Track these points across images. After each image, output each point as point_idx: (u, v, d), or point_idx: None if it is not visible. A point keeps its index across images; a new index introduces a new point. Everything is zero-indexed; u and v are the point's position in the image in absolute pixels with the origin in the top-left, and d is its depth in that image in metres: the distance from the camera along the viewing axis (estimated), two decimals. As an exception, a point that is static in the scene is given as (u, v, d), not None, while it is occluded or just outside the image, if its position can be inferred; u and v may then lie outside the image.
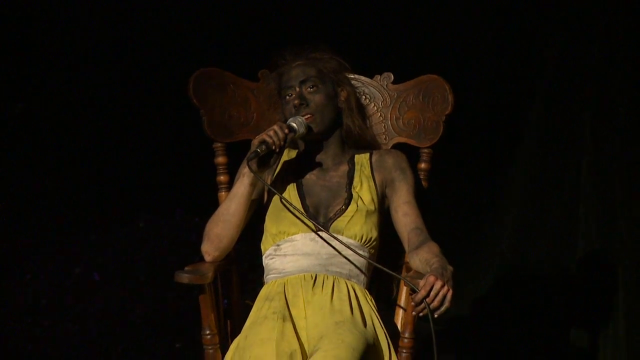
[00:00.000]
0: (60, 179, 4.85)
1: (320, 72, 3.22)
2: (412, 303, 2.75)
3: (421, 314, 2.71)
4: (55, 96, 4.86)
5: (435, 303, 2.68)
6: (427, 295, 2.68)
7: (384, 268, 2.96)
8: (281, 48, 3.28)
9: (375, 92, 3.43)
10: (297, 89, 3.18)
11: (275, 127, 3.04)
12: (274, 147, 3.01)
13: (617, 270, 4.75)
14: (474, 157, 4.78)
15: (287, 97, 3.20)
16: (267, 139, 3.01)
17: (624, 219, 4.74)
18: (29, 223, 4.85)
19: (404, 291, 3.14)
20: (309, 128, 3.14)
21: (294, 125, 3.09)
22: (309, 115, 3.14)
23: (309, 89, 3.18)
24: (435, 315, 2.69)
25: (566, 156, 4.88)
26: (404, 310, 3.11)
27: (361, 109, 3.36)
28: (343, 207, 3.13)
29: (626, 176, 4.73)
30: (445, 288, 2.70)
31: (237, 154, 3.28)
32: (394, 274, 2.97)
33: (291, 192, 3.16)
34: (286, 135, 3.06)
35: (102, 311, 4.66)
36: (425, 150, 3.36)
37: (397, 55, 4.06)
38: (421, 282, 2.72)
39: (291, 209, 3.07)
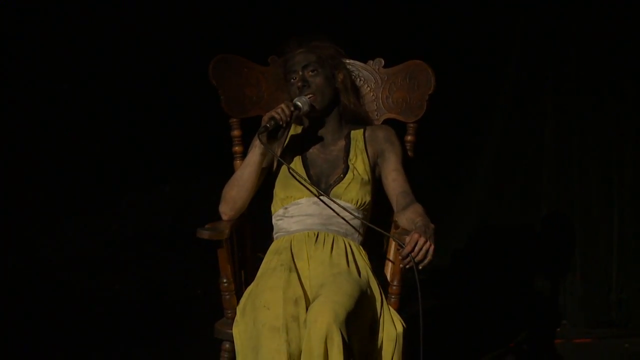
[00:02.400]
0: (103, 151, 4.81)
1: (319, 58, 3.21)
2: (400, 257, 2.76)
3: (407, 267, 2.73)
4: (97, 75, 4.80)
5: (420, 257, 2.70)
6: (412, 250, 2.70)
7: (375, 227, 2.98)
8: (287, 37, 3.28)
9: (368, 75, 3.42)
10: (300, 73, 3.18)
11: (283, 105, 3.05)
12: (281, 123, 3.03)
13: (573, 227, 4.75)
14: (453, 131, 4.77)
15: (292, 80, 3.19)
16: (276, 115, 3.02)
17: (579, 182, 4.73)
18: (78, 187, 4.81)
19: (392, 247, 3.14)
20: (311, 106, 3.14)
21: (299, 103, 3.10)
22: (311, 95, 3.15)
23: (310, 72, 3.18)
24: (420, 267, 2.71)
25: (530, 127, 4.87)
26: (393, 263, 3.12)
27: (356, 90, 3.36)
28: (341, 175, 3.14)
29: (583, 145, 4.72)
30: (428, 243, 2.71)
31: (250, 128, 3.29)
32: (384, 232, 3.00)
33: (297, 163, 3.17)
34: (292, 112, 3.07)
35: (136, 261, 4.66)
36: (411, 125, 3.36)
37: (387, 43, 4.04)
38: (407, 239, 2.73)
39: (297, 177, 3.08)
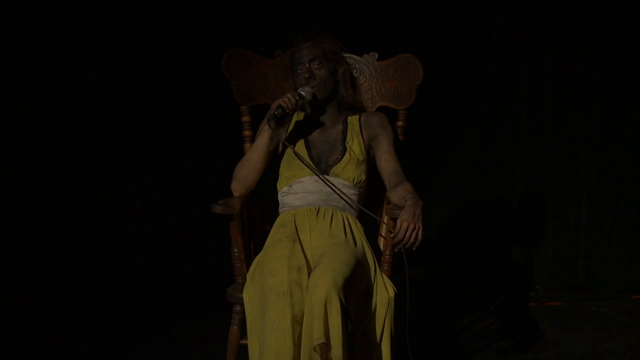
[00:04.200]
0: (134, 135, 4.79)
1: (324, 52, 3.21)
2: (393, 243, 2.78)
3: (396, 250, 2.77)
4: (134, 66, 4.77)
5: (411, 241, 2.72)
6: (402, 239, 2.73)
7: (370, 212, 2.97)
8: (290, 32, 3.27)
9: (363, 67, 3.41)
10: (307, 65, 3.18)
11: (289, 95, 3.05)
12: (288, 110, 3.03)
13: (546, 203, 4.75)
14: (439, 117, 4.76)
15: (299, 71, 3.19)
16: (283, 103, 3.02)
17: (551, 164, 4.73)
18: (109, 164, 4.80)
19: (384, 220, 3.15)
20: (314, 95, 3.14)
21: (303, 93, 3.10)
22: (315, 86, 3.15)
23: (316, 65, 3.18)
24: (414, 249, 2.73)
25: (507, 114, 4.86)
26: (384, 238, 3.12)
27: (353, 81, 3.36)
28: (340, 156, 3.15)
29: (554, 132, 4.72)
30: (417, 227, 2.73)
31: (258, 114, 3.30)
32: (376, 217, 2.99)
33: (300, 145, 3.18)
34: (297, 101, 3.07)
35: (157, 232, 4.65)
36: (402, 112, 3.36)
37: (381, 38, 4.03)
38: (397, 227, 2.75)
39: (300, 158, 3.09)
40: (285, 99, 3.04)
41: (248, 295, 2.85)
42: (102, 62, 4.69)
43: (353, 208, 3.13)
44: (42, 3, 4.52)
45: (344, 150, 3.17)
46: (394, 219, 2.83)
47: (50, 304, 4.23)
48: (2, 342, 3.72)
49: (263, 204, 3.31)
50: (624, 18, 4.55)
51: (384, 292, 2.86)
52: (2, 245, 4.39)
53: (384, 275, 2.94)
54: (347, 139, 3.20)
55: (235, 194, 3.12)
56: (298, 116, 3.28)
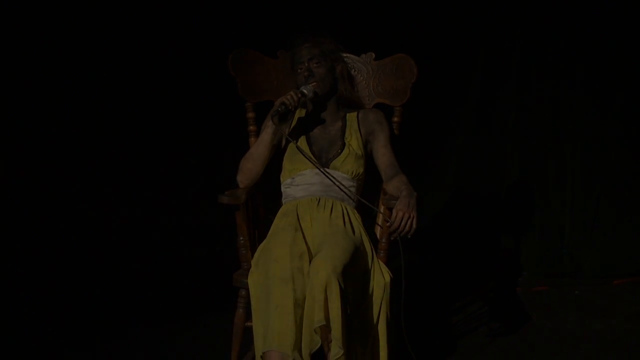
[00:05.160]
0: (145, 133, 4.79)
1: (322, 52, 3.21)
2: (389, 231, 2.80)
3: (392, 238, 2.80)
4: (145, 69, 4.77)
5: (406, 229, 2.74)
6: (398, 227, 2.74)
7: (367, 203, 3.01)
8: (292, 33, 3.27)
9: (361, 66, 3.41)
10: (306, 64, 3.18)
11: (292, 93, 3.06)
12: (290, 107, 3.04)
13: (533, 195, 4.76)
14: (431, 113, 4.75)
15: (299, 70, 3.20)
16: (286, 100, 3.03)
17: (537, 157, 4.74)
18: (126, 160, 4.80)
19: (380, 215, 3.16)
20: (315, 93, 3.15)
21: (305, 91, 3.11)
22: (315, 83, 3.16)
23: (314, 64, 3.18)
24: (409, 237, 2.75)
25: (496, 110, 4.87)
26: (381, 227, 3.14)
27: (351, 79, 3.36)
28: (339, 151, 3.15)
29: (539, 124, 4.73)
30: (411, 216, 2.75)
31: (261, 111, 3.29)
32: (373, 207, 3.03)
33: (302, 140, 3.18)
34: (299, 98, 3.08)
35: (168, 221, 4.66)
36: (397, 108, 3.36)
37: (378, 39, 4.02)
38: (392, 216, 2.76)
39: (302, 152, 3.10)
40: (288, 97, 3.04)
41: (253, 280, 2.86)
42: (116, 64, 4.69)
43: (351, 199, 3.14)
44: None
45: (343, 145, 3.17)
46: (390, 209, 2.85)
47: (63, 289, 4.24)
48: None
49: (267, 195, 3.32)
50: (602, 25, 4.57)
51: (380, 277, 2.87)
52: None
53: (380, 262, 2.95)
54: (346, 134, 3.20)
55: (241, 185, 3.12)
56: (300, 113, 3.28)
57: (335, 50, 3.27)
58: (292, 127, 3.23)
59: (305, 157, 3.08)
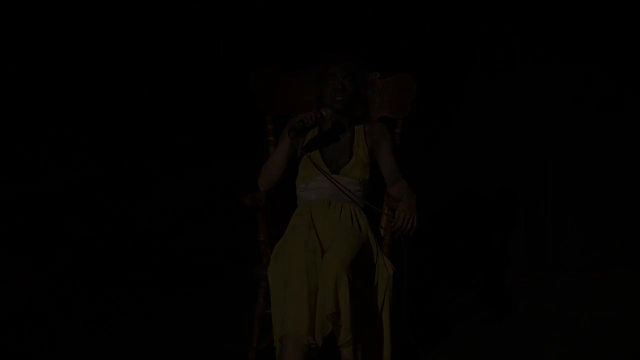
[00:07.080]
0: (175, 143, 4.73)
1: (355, 74, 3.20)
2: (392, 231, 2.82)
3: (395, 236, 2.83)
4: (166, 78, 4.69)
5: (408, 228, 2.78)
6: (400, 226, 2.75)
7: (371, 205, 3.04)
8: (332, 50, 3.26)
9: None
10: (340, 79, 3.16)
11: (312, 113, 3.05)
12: (307, 125, 3.05)
13: (519, 196, 4.74)
14: (430, 125, 4.71)
15: (331, 82, 3.17)
16: (304, 119, 3.03)
17: (521, 163, 4.72)
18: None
19: (383, 217, 3.14)
20: (332, 115, 3.14)
21: (324, 113, 3.10)
22: (340, 97, 3.15)
23: (347, 82, 3.18)
24: (410, 235, 2.78)
25: (486, 119, 4.83)
26: (383, 228, 3.13)
27: (367, 104, 3.34)
28: (348, 159, 3.17)
29: (524, 135, 4.71)
30: (412, 216, 2.78)
31: (280, 123, 3.30)
32: (377, 209, 3.05)
33: (315, 150, 3.20)
34: (317, 118, 3.08)
35: (198, 222, 4.62)
36: (400, 121, 3.37)
37: (383, 59, 3.99)
38: (395, 216, 2.79)
39: (315, 164, 3.10)
40: (308, 116, 3.04)
41: (271, 273, 2.88)
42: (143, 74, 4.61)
43: (357, 203, 3.15)
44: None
45: (351, 154, 3.19)
46: (393, 210, 2.87)
47: (85, 274, 4.25)
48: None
49: (284, 198, 3.32)
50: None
51: (384, 270, 2.89)
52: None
53: (384, 256, 2.97)
54: (354, 144, 3.22)
55: (261, 188, 3.13)
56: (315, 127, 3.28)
57: (366, 75, 3.27)
58: (307, 138, 3.24)
59: (317, 167, 3.08)
